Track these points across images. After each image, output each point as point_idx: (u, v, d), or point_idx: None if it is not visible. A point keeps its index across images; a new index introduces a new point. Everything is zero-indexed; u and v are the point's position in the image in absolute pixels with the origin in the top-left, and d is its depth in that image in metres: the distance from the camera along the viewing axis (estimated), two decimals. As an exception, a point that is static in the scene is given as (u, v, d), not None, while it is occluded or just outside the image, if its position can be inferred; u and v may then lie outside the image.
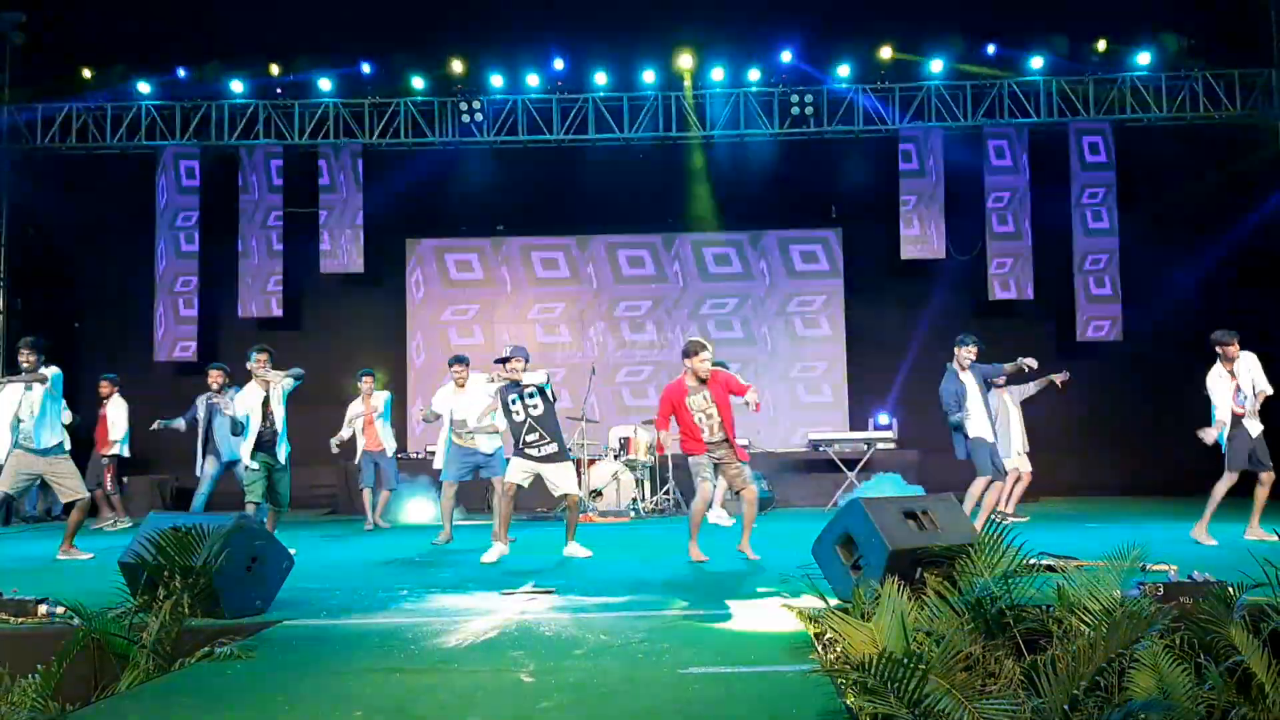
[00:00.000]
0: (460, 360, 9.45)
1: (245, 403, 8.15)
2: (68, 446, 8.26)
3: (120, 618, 4.75)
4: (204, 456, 9.97)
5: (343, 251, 14.33)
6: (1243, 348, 8.14)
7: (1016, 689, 3.82)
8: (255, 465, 8.05)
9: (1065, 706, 3.62)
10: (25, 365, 8.07)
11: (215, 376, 10.18)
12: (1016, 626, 4.25)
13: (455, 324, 15.06)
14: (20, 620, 4.98)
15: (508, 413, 7.81)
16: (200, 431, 10.20)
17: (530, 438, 7.74)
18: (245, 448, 8.10)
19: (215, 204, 14.44)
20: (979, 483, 8.53)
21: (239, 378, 10.30)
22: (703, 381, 7.27)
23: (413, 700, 3.70)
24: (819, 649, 4.30)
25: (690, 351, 7.30)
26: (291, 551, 7.65)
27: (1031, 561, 4.84)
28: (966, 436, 8.53)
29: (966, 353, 8.69)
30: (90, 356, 14.73)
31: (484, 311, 15.08)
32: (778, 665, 4.06)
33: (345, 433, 10.76)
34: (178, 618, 4.60)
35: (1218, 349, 8.12)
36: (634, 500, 11.92)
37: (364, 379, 11.02)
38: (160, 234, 14.37)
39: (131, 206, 14.41)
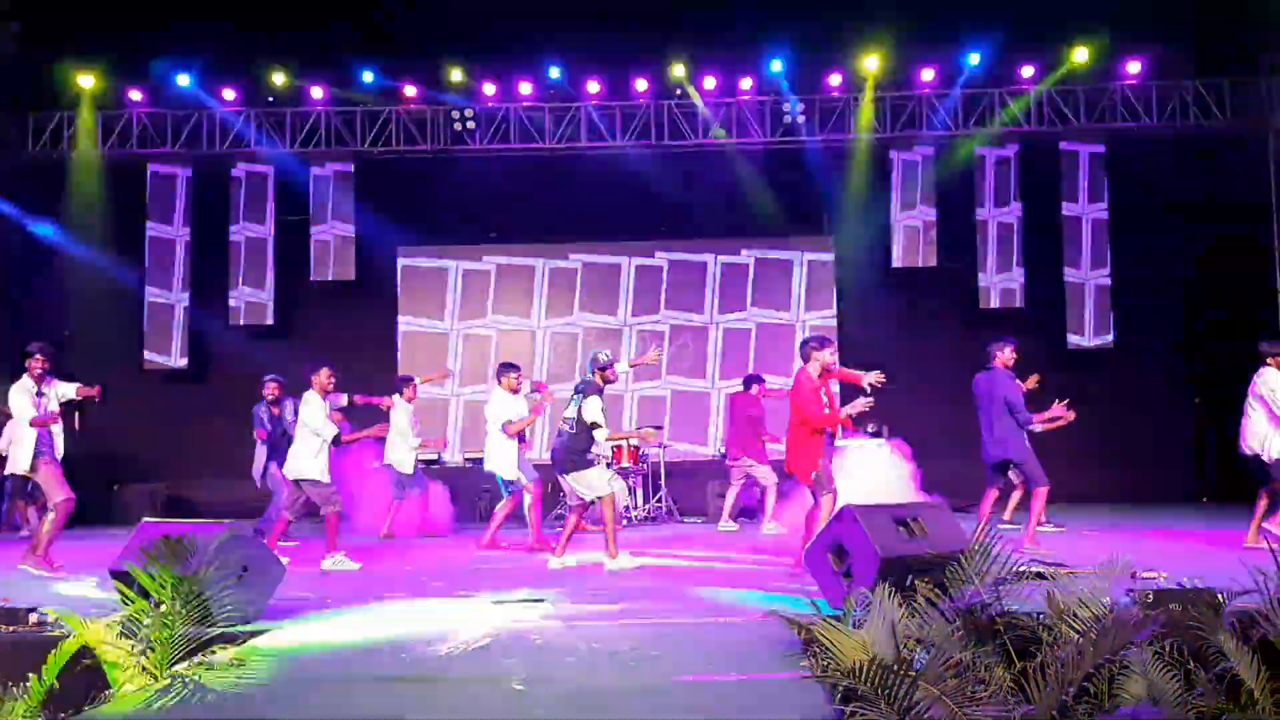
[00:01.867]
0: (514, 367, 9.41)
1: (322, 413, 8.08)
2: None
3: (111, 626, 4.74)
4: (268, 461, 9.98)
5: (334, 259, 14.31)
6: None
7: (1006, 696, 3.83)
8: (328, 480, 8.04)
9: (1055, 713, 3.64)
10: (38, 371, 7.94)
11: (273, 388, 10.15)
12: (1007, 633, 4.26)
13: (448, 332, 15.03)
14: (11, 629, 4.97)
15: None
16: (266, 439, 10.16)
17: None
18: (324, 460, 8.04)
19: (206, 212, 14.39)
20: (1041, 494, 8.23)
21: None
22: (820, 375, 7.42)
23: (405, 709, 3.71)
24: (810, 656, 4.30)
25: (819, 344, 7.49)
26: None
27: (1021, 569, 4.86)
28: (1023, 444, 8.22)
29: (1011, 352, 8.44)
30: (79, 365, 14.65)
31: (478, 319, 15.04)
32: (769, 673, 4.06)
33: (413, 441, 10.71)
34: (169, 626, 4.59)
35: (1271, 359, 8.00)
36: (626, 507, 11.92)
37: (408, 386, 10.93)
38: (150, 242, 14.33)
39: (122, 215, 14.34)
